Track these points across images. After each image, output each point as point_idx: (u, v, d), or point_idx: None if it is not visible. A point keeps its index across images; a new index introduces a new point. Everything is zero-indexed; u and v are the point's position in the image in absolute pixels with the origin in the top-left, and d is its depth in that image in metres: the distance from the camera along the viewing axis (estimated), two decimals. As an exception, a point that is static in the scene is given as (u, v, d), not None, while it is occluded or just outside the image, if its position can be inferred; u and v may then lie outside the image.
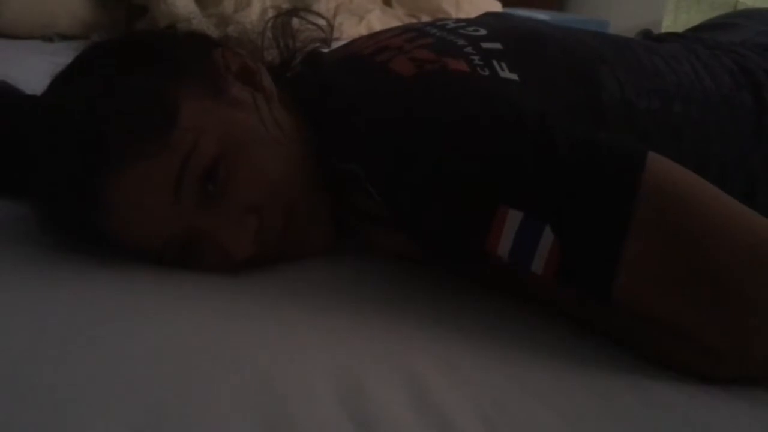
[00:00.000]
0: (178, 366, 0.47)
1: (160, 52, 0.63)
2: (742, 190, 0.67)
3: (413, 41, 0.63)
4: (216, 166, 0.58)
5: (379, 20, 2.00)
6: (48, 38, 1.66)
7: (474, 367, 0.49)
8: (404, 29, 0.69)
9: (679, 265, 0.48)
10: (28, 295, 0.55)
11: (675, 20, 3.76)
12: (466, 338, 0.53)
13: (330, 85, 0.65)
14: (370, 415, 0.43)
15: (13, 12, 1.64)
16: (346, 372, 0.47)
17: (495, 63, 0.60)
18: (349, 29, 1.91)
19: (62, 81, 0.62)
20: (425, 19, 2.06)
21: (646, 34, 0.92)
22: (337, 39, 0.77)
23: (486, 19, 0.75)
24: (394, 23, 2.02)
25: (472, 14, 2.30)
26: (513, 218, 0.50)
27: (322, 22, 0.74)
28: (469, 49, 0.61)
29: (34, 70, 0.65)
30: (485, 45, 0.63)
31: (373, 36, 0.70)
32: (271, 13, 1.84)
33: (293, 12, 0.74)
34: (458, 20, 0.71)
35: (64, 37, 1.66)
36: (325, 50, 0.75)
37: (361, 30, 1.95)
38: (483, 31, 0.65)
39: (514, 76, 0.60)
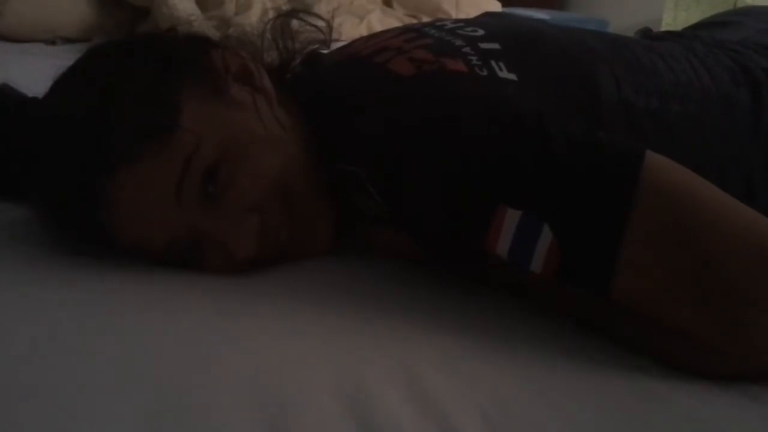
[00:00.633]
0: (178, 366, 0.47)
1: (161, 53, 0.63)
2: (742, 188, 0.67)
3: (412, 42, 0.63)
4: (217, 167, 0.58)
5: (379, 21, 2.00)
6: (50, 41, 1.67)
7: (474, 365, 0.50)
8: (403, 30, 0.69)
9: (678, 264, 0.48)
10: (29, 295, 0.56)
11: (675, 18, 3.76)
12: (466, 337, 0.53)
13: (329, 86, 0.65)
14: (371, 414, 0.43)
15: (15, 15, 1.65)
16: (347, 371, 0.47)
17: (493, 63, 0.61)
18: (350, 30, 1.91)
19: (63, 83, 0.63)
20: (425, 19, 2.07)
21: (646, 33, 0.92)
22: (337, 40, 0.77)
23: (485, 19, 0.75)
24: (395, 24, 2.03)
25: (472, 14, 2.30)
26: (511, 217, 0.50)
27: (321, 23, 0.74)
28: (467, 50, 0.62)
29: (36, 73, 0.66)
30: (483, 45, 0.63)
31: (373, 37, 0.71)
32: (271, 15, 1.85)
33: (292, 13, 0.74)
34: (457, 21, 0.71)
35: (67, 40, 1.67)
36: (325, 51, 0.76)
37: (362, 31, 1.95)
38: (481, 32, 0.66)
39: (512, 76, 0.60)
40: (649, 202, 0.48)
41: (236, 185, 0.59)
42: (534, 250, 0.50)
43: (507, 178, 0.51)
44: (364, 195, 0.61)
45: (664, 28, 3.86)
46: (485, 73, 0.59)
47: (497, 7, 2.38)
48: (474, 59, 0.60)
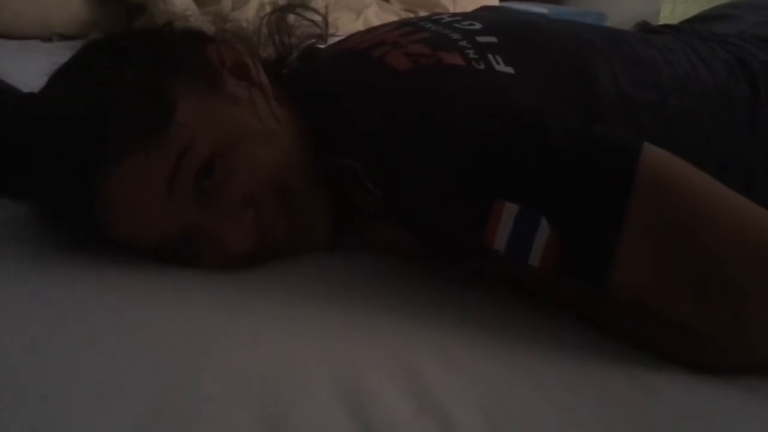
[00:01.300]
0: (177, 365, 0.47)
1: (156, 48, 0.63)
2: (740, 181, 0.67)
3: (408, 36, 0.63)
4: (212, 162, 0.58)
5: (376, 15, 1.99)
6: (47, 38, 1.67)
7: (473, 360, 0.50)
8: (400, 24, 0.69)
9: (675, 257, 0.48)
10: (29, 293, 0.56)
11: (672, 11, 3.76)
12: (465, 332, 0.53)
13: (325, 81, 0.65)
14: (370, 412, 0.43)
15: (11, 12, 1.64)
16: (346, 369, 0.47)
17: (490, 56, 0.60)
18: (347, 25, 1.91)
19: (59, 78, 0.62)
20: (423, 13, 2.06)
21: (644, 26, 0.92)
22: (334, 35, 0.77)
23: (482, 13, 0.75)
24: (392, 18, 2.02)
25: (470, 8, 2.30)
26: (509, 211, 0.50)
27: (317, 17, 0.74)
28: (464, 43, 0.62)
29: (33, 70, 0.65)
30: (480, 39, 0.63)
31: (369, 31, 0.71)
32: (268, 10, 1.85)
33: (288, 8, 0.74)
34: (453, 15, 0.71)
35: (63, 36, 1.66)
36: (321, 46, 0.75)
37: (359, 26, 1.94)
38: (478, 25, 0.66)
39: (509, 70, 0.60)
40: (647, 195, 0.48)
41: (232, 180, 0.59)
42: (532, 243, 0.50)
43: (505, 172, 0.51)
44: (361, 190, 0.61)
45: (662, 21, 3.85)
46: (482, 66, 0.59)
47: (495, 2, 2.37)
48: (471, 52, 0.60)
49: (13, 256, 0.62)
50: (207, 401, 0.43)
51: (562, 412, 0.45)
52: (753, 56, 0.74)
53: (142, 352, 0.48)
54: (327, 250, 0.66)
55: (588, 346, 0.52)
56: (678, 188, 0.49)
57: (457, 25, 0.66)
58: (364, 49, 0.64)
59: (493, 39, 0.63)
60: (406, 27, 0.66)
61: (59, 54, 0.64)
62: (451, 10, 2.08)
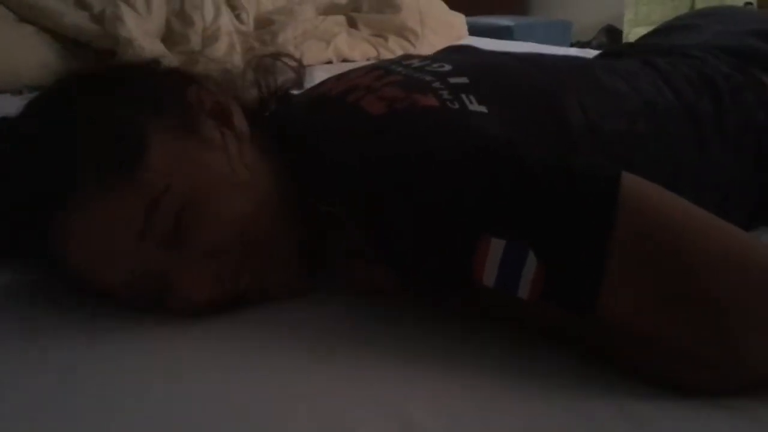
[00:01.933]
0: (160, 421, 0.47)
1: (134, 87, 0.63)
2: (717, 195, 0.68)
3: (381, 79, 0.64)
4: (182, 211, 0.58)
5: (346, 43, 2.01)
6: (17, 91, 1.66)
7: (465, 405, 0.50)
8: (370, 68, 0.70)
9: (660, 281, 0.49)
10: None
11: (636, 14, 3.81)
12: (457, 375, 0.53)
13: (302, 125, 0.66)
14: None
15: (-22, 68, 1.63)
16: (338, 423, 0.47)
17: (464, 96, 0.61)
18: (317, 54, 1.92)
19: (35, 104, 0.63)
20: (392, 38, 2.08)
21: (610, 30, 0.94)
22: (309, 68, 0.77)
23: (449, 54, 0.76)
24: (362, 45, 2.04)
25: (438, 30, 2.32)
26: (496, 247, 0.51)
27: (294, 63, 0.75)
28: (437, 84, 0.63)
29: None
30: (452, 80, 0.64)
31: (340, 77, 0.71)
32: (238, 48, 1.86)
33: (275, 55, 0.74)
34: (423, 58, 0.73)
35: (34, 88, 1.65)
36: (296, 92, 0.76)
37: (329, 55, 1.96)
38: (448, 67, 0.67)
39: (483, 109, 0.61)
40: (628, 222, 0.49)
41: (197, 231, 0.58)
42: (520, 276, 0.51)
43: (487, 207, 0.52)
44: (343, 232, 0.61)
45: (626, 24, 3.91)
46: (457, 106, 0.60)
47: (461, 21, 2.39)
48: (445, 93, 0.61)
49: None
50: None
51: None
52: (715, 68, 0.75)
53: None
54: (303, 295, 0.65)
55: (575, 378, 0.52)
56: (657, 214, 0.50)
57: (428, 68, 0.67)
58: (338, 94, 0.65)
59: (464, 80, 0.64)
60: (377, 71, 0.67)
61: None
62: (420, 34, 2.09)
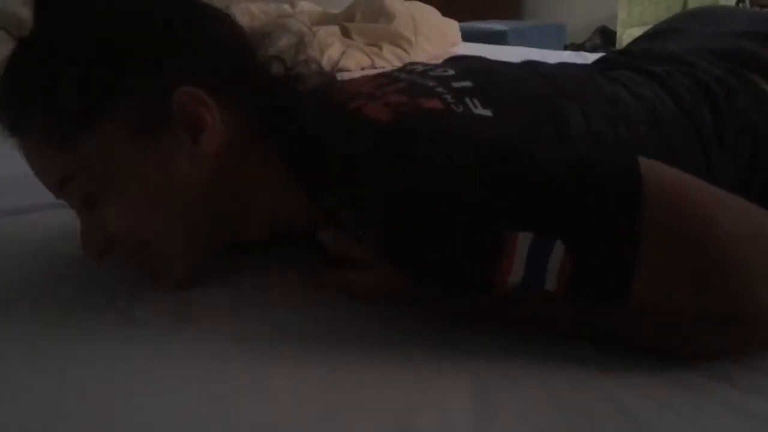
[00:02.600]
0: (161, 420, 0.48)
1: (141, 61, 0.62)
2: None
3: (384, 87, 0.64)
4: (93, 193, 0.63)
5: (339, 53, 2.01)
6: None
7: (465, 405, 0.49)
8: (374, 77, 0.70)
9: (691, 255, 0.50)
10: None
11: (629, 14, 3.83)
12: (457, 374, 0.53)
13: (311, 134, 0.64)
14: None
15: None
16: (338, 425, 0.47)
17: (468, 100, 0.62)
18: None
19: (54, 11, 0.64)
20: (386, 46, 2.09)
21: (603, 31, 0.94)
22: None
23: (452, 63, 0.76)
24: (356, 55, 2.04)
25: (431, 37, 2.31)
26: (523, 241, 0.51)
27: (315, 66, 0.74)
28: (440, 89, 0.63)
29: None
30: (456, 84, 0.64)
31: (344, 85, 0.71)
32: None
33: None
34: (426, 64, 0.73)
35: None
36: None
37: (323, 65, 1.95)
38: (452, 72, 0.67)
39: (487, 112, 0.61)
40: (655, 204, 0.50)
41: (102, 215, 0.63)
42: (546, 268, 0.51)
43: (512, 202, 0.52)
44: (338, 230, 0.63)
45: (619, 25, 3.93)
46: (461, 109, 0.60)
47: (455, 28, 2.40)
48: (449, 97, 0.61)
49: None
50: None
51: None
52: (709, 73, 0.75)
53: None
54: (291, 305, 0.65)
55: (573, 375, 0.53)
56: (679, 192, 0.52)
57: (431, 73, 0.67)
58: (341, 101, 0.63)
59: (468, 83, 0.65)
60: (381, 78, 0.67)
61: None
62: (413, 41, 2.10)
